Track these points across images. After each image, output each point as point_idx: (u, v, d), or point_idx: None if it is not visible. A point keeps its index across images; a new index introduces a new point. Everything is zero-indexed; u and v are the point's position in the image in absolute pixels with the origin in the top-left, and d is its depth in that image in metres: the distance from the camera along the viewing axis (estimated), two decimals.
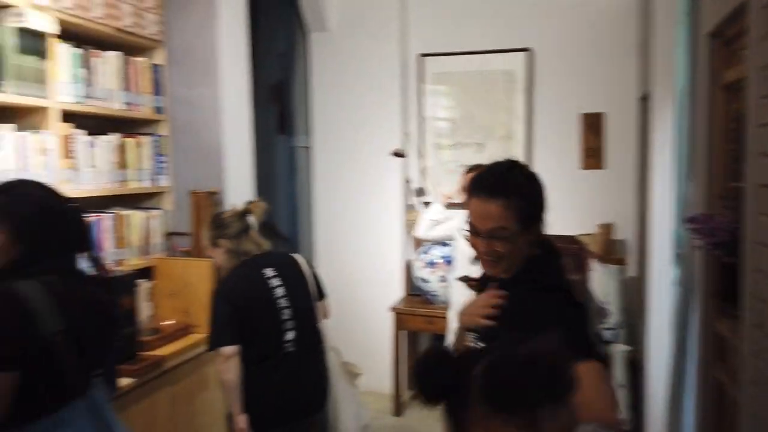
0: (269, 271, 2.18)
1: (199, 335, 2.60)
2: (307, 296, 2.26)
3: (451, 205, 3.33)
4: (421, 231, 3.39)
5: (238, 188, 3.01)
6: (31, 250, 1.41)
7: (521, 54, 3.77)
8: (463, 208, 3.03)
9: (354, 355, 4.05)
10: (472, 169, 2.91)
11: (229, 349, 2.06)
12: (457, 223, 3.06)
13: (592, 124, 3.69)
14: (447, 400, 0.85)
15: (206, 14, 2.85)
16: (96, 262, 1.55)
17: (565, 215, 3.53)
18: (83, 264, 1.54)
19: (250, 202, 2.31)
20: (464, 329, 1.43)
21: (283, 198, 4.30)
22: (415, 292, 3.80)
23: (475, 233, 1.33)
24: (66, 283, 1.44)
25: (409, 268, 3.90)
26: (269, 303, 2.14)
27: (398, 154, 3.88)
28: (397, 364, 3.75)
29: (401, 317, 3.72)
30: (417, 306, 3.69)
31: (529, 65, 3.77)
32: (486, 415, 0.80)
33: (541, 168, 3.90)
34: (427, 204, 3.84)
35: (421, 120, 3.99)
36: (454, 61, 3.90)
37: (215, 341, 2.09)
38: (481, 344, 1.35)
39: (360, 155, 4.03)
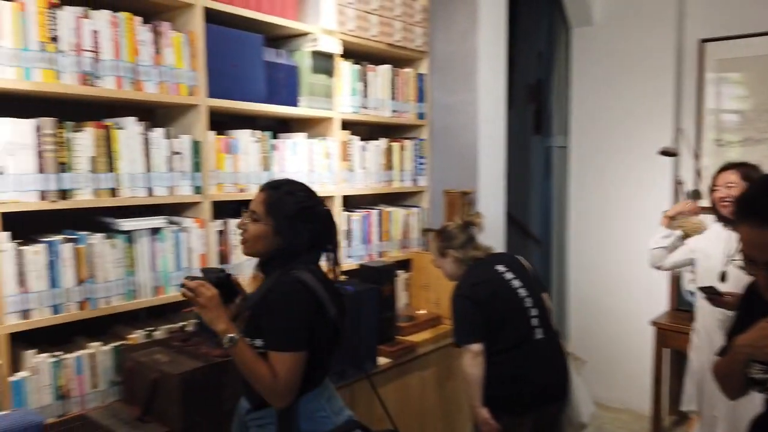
0: (501, 267, 2.28)
1: (447, 327, 2.76)
2: (536, 288, 2.31)
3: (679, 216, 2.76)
4: (654, 263, 2.78)
5: (491, 188, 3.09)
6: (287, 243, 1.55)
7: None
8: (710, 213, 2.60)
9: (607, 366, 3.82)
10: (729, 167, 2.43)
11: (477, 347, 2.16)
12: (696, 243, 2.60)
13: None
14: None
15: (468, 23, 2.98)
16: (335, 261, 1.65)
17: None
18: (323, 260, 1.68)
19: (472, 214, 2.45)
20: (748, 359, 1.30)
21: (536, 199, 4.25)
22: (683, 307, 3.40)
23: (752, 263, 1.18)
24: (322, 275, 1.60)
25: (676, 280, 3.50)
26: (510, 294, 2.22)
27: (668, 153, 3.49)
28: (658, 384, 3.41)
29: (664, 333, 3.36)
30: (684, 322, 3.28)
31: None
32: None
33: None
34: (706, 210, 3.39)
35: (700, 114, 3.54)
36: (746, 45, 3.36)
37: (462, 338, 2.21)
38: None
39: (622, 155, 3.76)
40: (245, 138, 2.30)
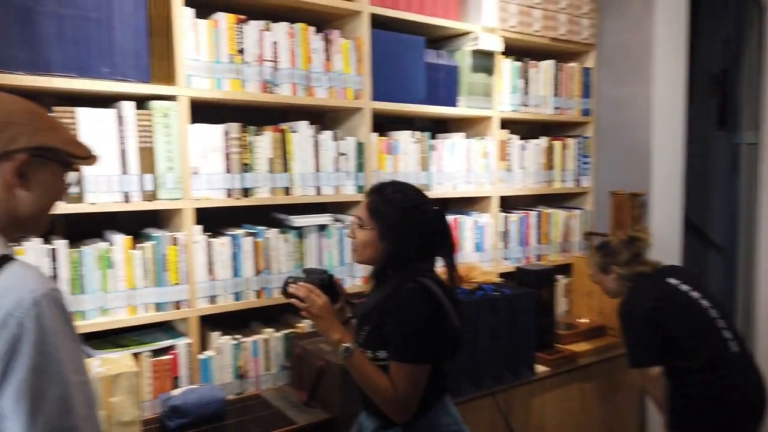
0: (673, 280, 2.08)
1: (612, 339, 2.57)
2: (716, 296, 2.10)
3: None
4: None
5: (666, 190, 2.82)
6: (395, 248, 1.46)
7: None
8: None
9: None
10: None
11: (655, 370, 2.01)
12: None
13: None
14: None
15: (643, 9, 2.75)
16: (452, 267, 1.52)
17: None
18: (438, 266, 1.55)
19: (638, 229, 2.26)
20: None
21: (720, 202, 3.82)
22: None
23: None
24: (440, 282, 1.48)
25: None
26: (692, 307, 2.03)
27: None
28: None
29: None
30: None
31: None
32: None
33: None
34: None
35: None
36: None
37: (637, 360, 2.05)
38: None
39: None
40: (405, 139, 2.35)
